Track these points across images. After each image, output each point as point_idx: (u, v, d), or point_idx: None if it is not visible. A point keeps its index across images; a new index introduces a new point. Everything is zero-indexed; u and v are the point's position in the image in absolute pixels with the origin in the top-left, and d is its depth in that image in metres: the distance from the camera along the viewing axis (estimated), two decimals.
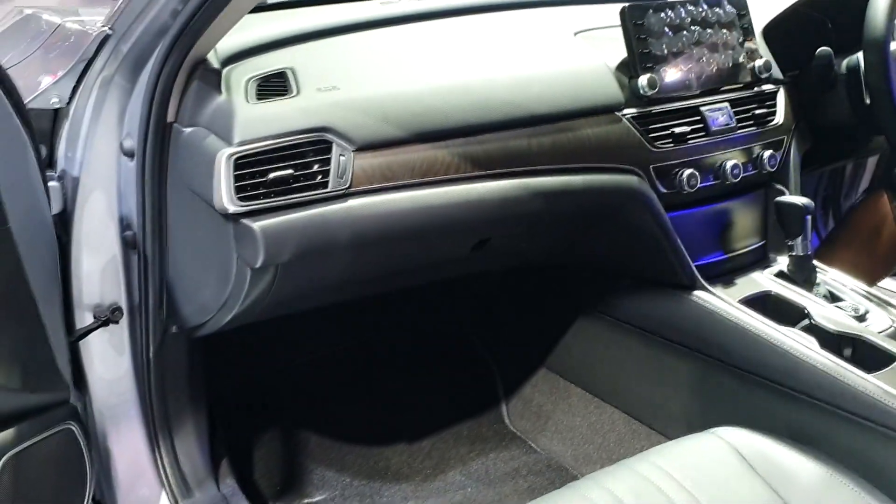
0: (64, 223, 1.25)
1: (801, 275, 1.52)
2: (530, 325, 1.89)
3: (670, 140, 1.44)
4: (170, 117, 1.15)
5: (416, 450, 1.73)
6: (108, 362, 1.34)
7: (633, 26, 1.41)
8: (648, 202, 1.39)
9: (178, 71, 1.11)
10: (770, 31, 1.67)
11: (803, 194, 1.58)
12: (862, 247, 2.06)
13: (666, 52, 1.45)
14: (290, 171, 1.08)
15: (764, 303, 1.46)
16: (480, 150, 1.22)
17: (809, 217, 1.50)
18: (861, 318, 1.41)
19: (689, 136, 1.45)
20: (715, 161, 1.50)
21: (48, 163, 1.26)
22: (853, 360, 1.29)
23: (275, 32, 1.29)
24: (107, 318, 1.31)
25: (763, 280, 1.53)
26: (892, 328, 1.39)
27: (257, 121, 1.09)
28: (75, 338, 1.27)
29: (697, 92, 1.49)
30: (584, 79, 1.38)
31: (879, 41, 1.50)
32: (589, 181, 1.33)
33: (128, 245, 1.27)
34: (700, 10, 1.50)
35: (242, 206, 1.05)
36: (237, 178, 1.05)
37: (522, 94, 1.30)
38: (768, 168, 1.56)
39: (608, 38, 1.49)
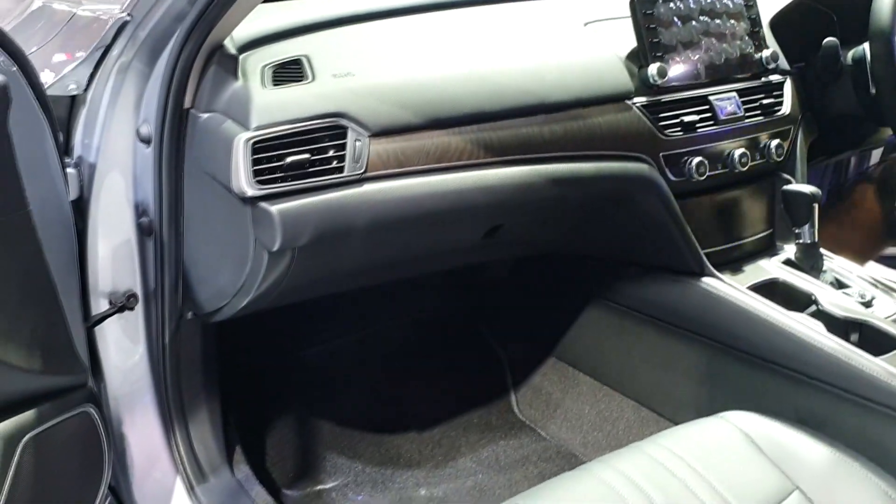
0: (80, 210, 1.26)
1: (808, 262, 1.53)
2: (539, 314, 1.91)
3: (679, 128, 1.45)
4: (186, 103, 1.16)
5: (426, 438, 1.75)
6: (123, 349, 1.35)
7: (643, 16, 1.43)
8: (658, 189, 1.40)
9: (196, 57, 1.12)
10: (777, 23, 1.69)
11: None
12: (848, 229, 2.09)
13: (675, 41, 1.46)
14: (306, 156, 1.09)
15: (772, 289, 1.48)
16: (494, 137, 1.24)
17: (816, 205, 1.51)
18: (868, 304, 1.42)
19: (697, 125, 1.47)
20: (723, 150, 1.51)
21: (64, 149, 1.27)
22: (860, 345, 1.30)
23: (289, 21, 1.31)
24: (122, 304, 1.32)
25: (770, 267, 1.54)
26: None
27: (274, 106, 1.11)
28: (91, 323, 1.28)
29: (706, 81, 1.50)
30: (594, 68, 1.40)
31: (885, 32, 1.51)
32: (600, 168, 1.34)
33: (143, 231, 1.28)
34: (708, 0, 1.51)
35: (260, 189, 1.07)
36: (255, 163, 1.07)
37: (534, 82, 1.31)
38: (775, 157, 1.57)
39: (617, 28, 1.50)
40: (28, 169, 0.98)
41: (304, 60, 1.20)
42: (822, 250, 1.55)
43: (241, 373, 1.65)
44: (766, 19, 1.65)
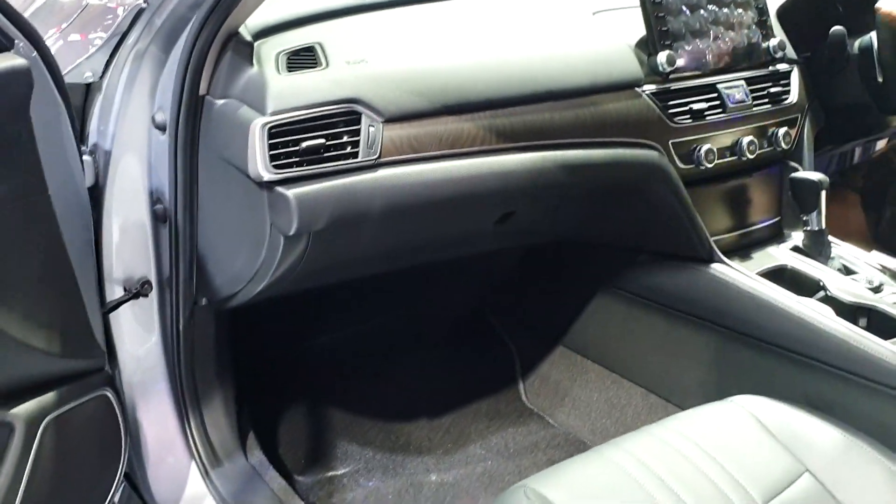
0: (95, 197, 1.27)
1: (816, 249, 1.54)
2: (547, 303, 1.92)
3: (689, 116, 1.46)
4: (202, 90, 1.17)
5: (436, 425, 1.76)
6: (137, 336, 1.36)
7: (652, 4, 1.44)
8: (668, 176, 1.42)
9: (212, 44, 1.13)
10: (784, 12, 1.70)
11: None
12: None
13: (683, 30, 1.47)
14: (321, 141, 1.10)
15: (780, 276, 1.49)
16: (505, 123, 1.25)
17: (824, 192, 1.52)
18: (876, 290, 1.43)
19: (706, 113, 1.48)
20: (731, 137, 1.53)
21: (80, 137, 1.29)
22: (868, 330, 1.32)
23: (302, 10, 1.32)
24: (137, 291, 1.34)
25: (779, 254, 1.55)
26: None
27: (289, 91, 1.12)
28: (106, 310, 1.29)
29: (714, 69, 1.51)
30: (604, 55, 1.41)
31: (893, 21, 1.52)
32: (611, 155, 1.36)
33: (158, 218, 1.29)
34: None
35: (277, 173, 1.08)
36: (271, 147, 1.08)
37: (545, 69, 1.32)
38: (783, 145, 1.58)
39: (625, 17, 1.51)
40: (46, 155, 1.00)
41: (318, 48, 1.21)
42: (830, 237, 1.56)
43: (251, 361, 1.66)
44: (773, 9, 1.66)
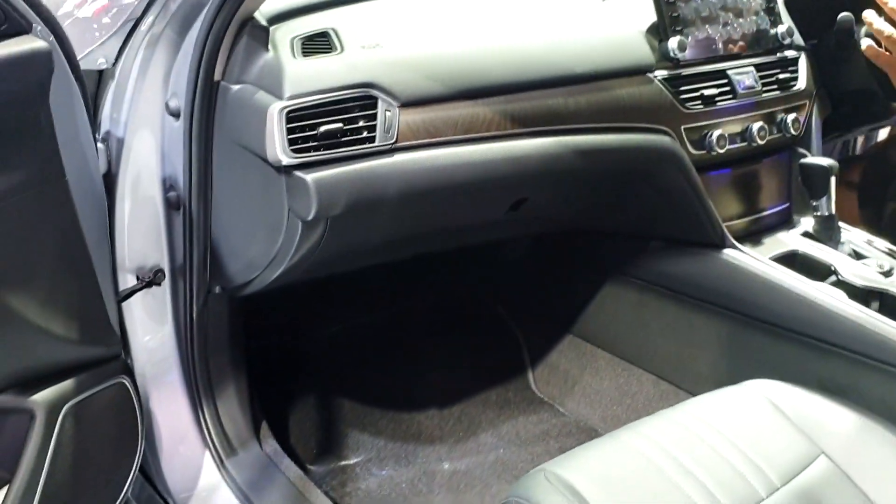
0: (107, 185, 1.26)
1: (827, 234, 1.55)
2: (556, 293, 1.92)
3: (700, 102, 1.46)
4: (217, 75, 1.17)
5: (446, 414, 1.76)
6: (150, 325, 1.36)
7: None
8: (681, 162, 1.42)
9: (227, 29, 1.13)
10: None
11: None
12: None
13: (694, 16, 1.48)
14: (339, 125, 1.10)
15: (792, 261, 1.49)
16: (520, 108, 1.25)
17: (834, 178, 1.53)
18: (887, 274, 1.44)
19: (717, 98, 1.48)
20: (742, 124, 1.53)
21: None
22: (881, 313, 1.32)
23: None
24: (150, 279, 1.33)
25: (789, 239, 1.56)
26: None
27: (306, 76, 1.12)
28: (120, 298, 1.29)
29: (723, 55, 1.52)
30: (615, 41, 1.41)
31: None
32: (624, 140, 1.36)
33: (171, 206, 1.29)
34: None
35: (296, 158, 1.07)
36: (289, 132, 1.08)
37: (558, 54, 1.32)
38: (792, 131, 1.59)
39: (634, 3, 1.51)
40: (62, 141, 0.99)
41: (332, 33, 1.21)
42: (840, 223, 1.57)
43: (261, 351, 1.66)
44: None
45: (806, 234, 1.57)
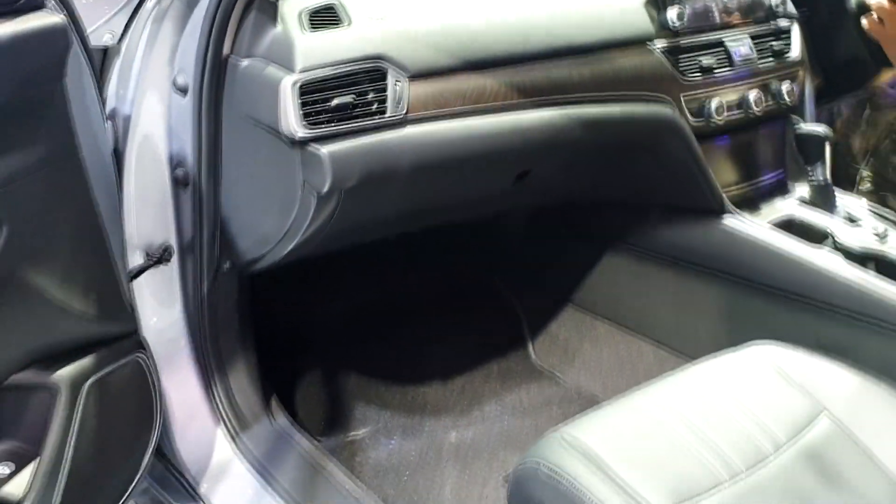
0: (115, 163, 1.26)
1: (822, 200, 1.58)
2: (554, 264, 1.94)
3: (698, 71, 1.49)
4: (225, 50, 1.17)
5: (450, 387, 1.78)
6: (159, 304, 1.37)
7: None
8: (682, 130, 1.44)
9: (235, 3, 1.12)
10: None
11: None
12: None
13: None
14: (351, 98, 1.10)
15: (789, 226, 1.52)
16: (526, 79, 1.26)
17: (829, 145, 1.56)
18: (882, 238, 1.47)
19: (715, 68, 1.51)
20: (738, 93, 1.56)
21: None
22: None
23: None
24: (159, 257, 1.34)
25: (786, 206, 1.59)
26: None
27: (316, 49, 1.12)
28: (130, 276, 1.29)
29: (720, 25, 1.54)
30: (617, 12, 1.42)
31: None
32: (626, 110, 1.38)
33: (178, 183, 1.29)
34: None
35: (310, 131, 1.08)
36: (302, 105, 1.08)
37: (560, 25, 1.34)
38: (787, 100, 1.62)
39: None
40: (74, 118, 0.99)
41: (338, 5, 1.21)
42: (835, 188, 1.60)
43: (266, 328, 1.67)
44: None
45: (802, 201, 1.61)
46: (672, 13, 1.44)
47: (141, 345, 1.16)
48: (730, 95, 1.54)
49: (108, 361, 1.09)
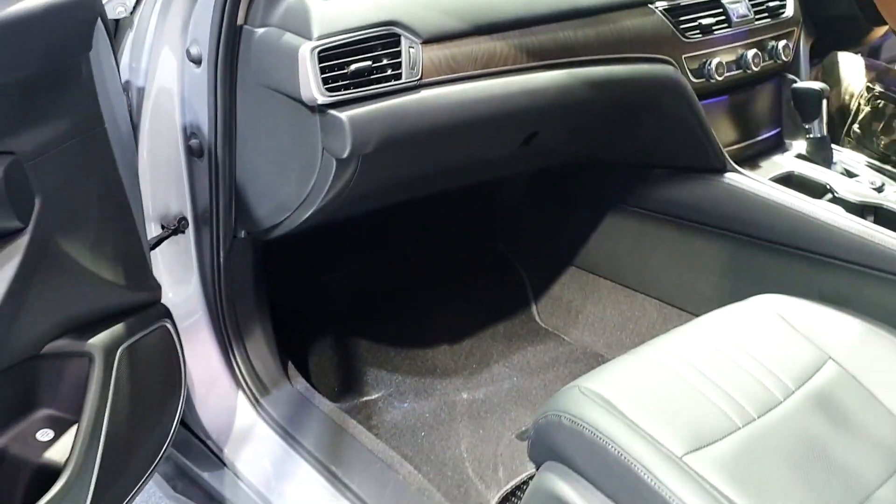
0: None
1: (820, 155, 1.62)
2: (556, 227, 1.98)
3: (698, 31, 1.52)
4: (239, 20, 1.18)
5: (457, 350, 1.81)
6: (176, 273, 1.39)
7: None
8: (684, 90, 1.47)
9: None
10: None
11: None
12: None
13: None
14: (368, 63, 1.12)
15: (788, 181, 1.56)
16: (534, 41, 1.28)
17: (825, 101, 1.59)
18: (879, 189, 1.52)
19: (714, 27, 1.54)
20: (737, 52, 1.59)
21: None
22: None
23: None
24: (175, 227, 1.35)
25: (784, 161, 1.63)
26: None
27: (332, 16, 1.13)
28: (150, 247, 1.31)
29: None
30: None
31: None
32: (631, 70, 1.40)
33: (193, 154, 1.31)
34: None
35: (330, 96, 1.10)
36: (322, 71, 1.10)
37: None
38: (783, 58, 1.65)
39: None
40: (98, 90, 1.01)
41: None
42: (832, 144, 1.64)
43: (274, 297, 1.69)
44: None
45: (800, 156, 1.64)
46: None
47: (166, 312, 1.18)
48: (728, 55, 1.57)
49: (138, 329, 1.11)
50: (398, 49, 1.16)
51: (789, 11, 1.69)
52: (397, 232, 2.02)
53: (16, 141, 0.86)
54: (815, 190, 1.53)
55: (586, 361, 1.77)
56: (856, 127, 1.75)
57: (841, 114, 1.78)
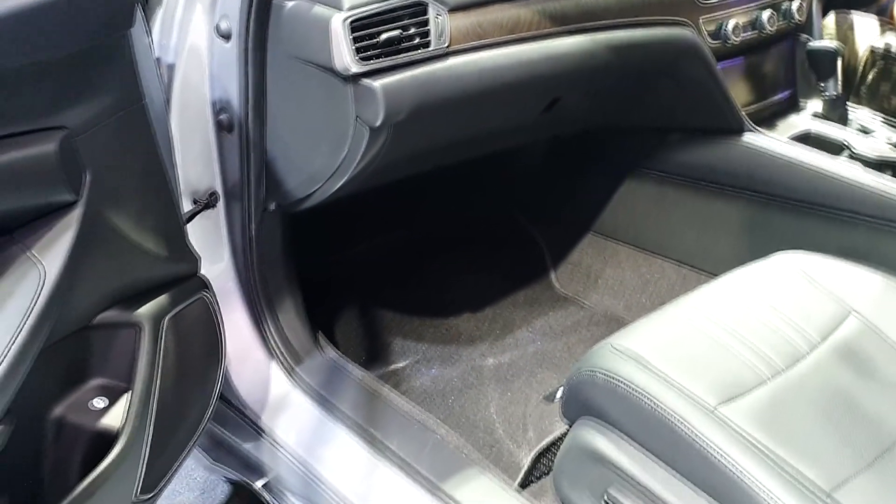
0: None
1: (835, 113, 1.64)
2: (573, 194, 2.00)
3: None
4: None
5: (480, 317, 1.84)
6: (207, 247, 1.40)
7: None
8: (702, 52, 1.49)
9: None
10: None
11: None
12: None
13: None
14: (398, 32, 1.14)
15: (806, 140, 1.59)
16: (557, 7, 1.30)
17: (840, 59, 1.61)
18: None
19: None
20: (752, 13, 1.60)
21: None
22: None
23: None
24: (206, 202, 1.38)
25: (800, 121, 1.65)
26: None
27: None
28: (184, 221, 1.33)
29: None
30: None
31: None
32: (651, 34, 1.42)
33: (222, 128, 1.32)
34: None
35: (364, 65, 1.12)
36: (354, 41, 1.11)
37: None
38: (797, 18, 1.66)
39: None
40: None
41: None
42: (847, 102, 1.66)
43: (301, 270, 1.72)
44: None
45: (815, 115, 1.66)
46: None
47: (205, 284, 1.21)
48: (743, 17, 1.59)
49: (180, 300, 1.14)
50: (426, 17, 1.17)
51: None
52: (416, 204, 2.04)
53: (67, 115, 0.89)
54: (833, 148, 1.55)
55: (607, 324, 1.80)
56: (863, 88, 1.77)
57: (846, 75, 1.80)
